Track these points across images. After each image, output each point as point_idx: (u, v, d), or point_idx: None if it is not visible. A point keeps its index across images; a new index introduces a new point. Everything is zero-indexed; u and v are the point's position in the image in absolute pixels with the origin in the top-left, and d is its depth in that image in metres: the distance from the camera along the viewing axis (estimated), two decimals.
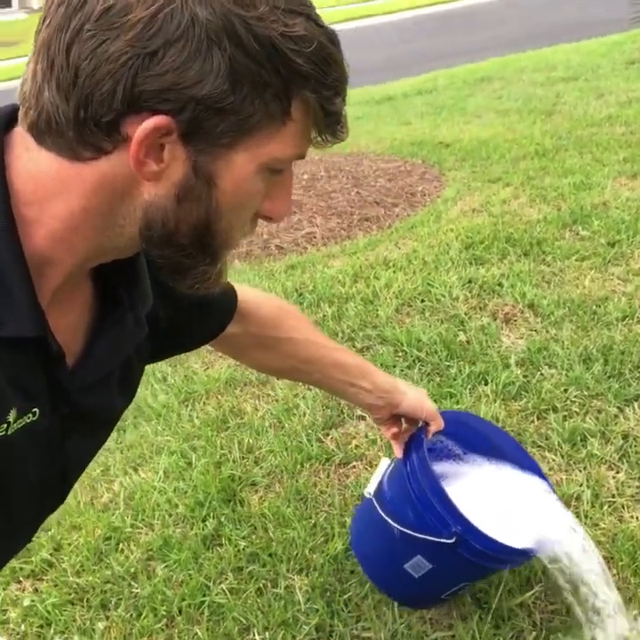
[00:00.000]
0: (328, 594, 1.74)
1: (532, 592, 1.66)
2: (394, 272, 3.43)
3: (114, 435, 2.49)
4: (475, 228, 3.78)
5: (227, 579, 1.83)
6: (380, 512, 1.39)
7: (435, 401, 2.38)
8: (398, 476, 1.43)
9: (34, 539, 1.26)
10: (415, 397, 1.43)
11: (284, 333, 1.27)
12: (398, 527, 1.35)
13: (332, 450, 2.24)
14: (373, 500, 1.43)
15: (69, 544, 2.03)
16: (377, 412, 1.42)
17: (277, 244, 4.03)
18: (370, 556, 1.52)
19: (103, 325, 0.83)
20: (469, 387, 2.46)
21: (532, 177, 4.41)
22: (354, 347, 2.84)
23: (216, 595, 1.78)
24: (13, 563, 1.98)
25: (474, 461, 1.59)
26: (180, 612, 1.75)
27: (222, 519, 2.02)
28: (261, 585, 1.80)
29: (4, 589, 1.91)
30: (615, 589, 1.42)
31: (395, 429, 1.46)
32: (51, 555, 2.00)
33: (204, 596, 1.78)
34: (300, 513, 2.00)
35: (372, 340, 2.87)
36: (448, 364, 2.61)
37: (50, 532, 2.07)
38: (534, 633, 1.58)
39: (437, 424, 1.46)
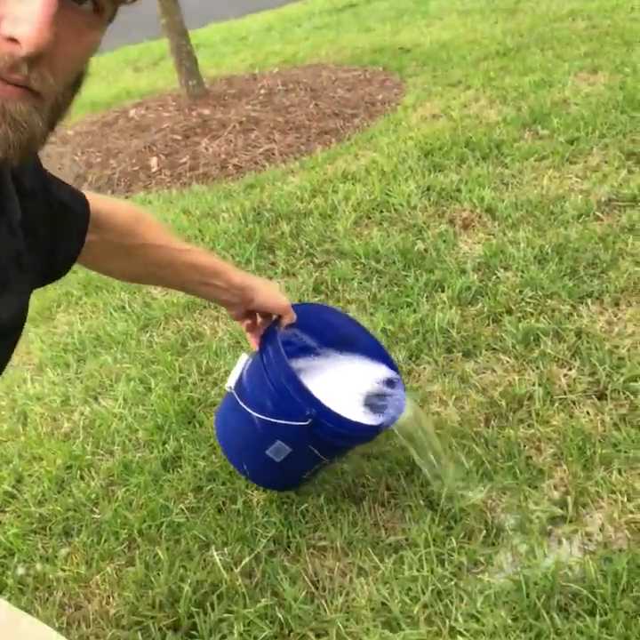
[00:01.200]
0: (285, 506, 1.76)
1: (484, 492, 1.69)
2: (352, 184, 3.38)
3: (73, 365, 2.49)
4: (434, 134, 3.71)
5: (187, 498, 1.85)
6: (241, 403, 1.46)
7: (392, 311, 2.39)
8: (256, 368, 1.50)
9: None
10: (268, 292, 1.52)
11: (138, 240, 1.30)
12: (258, 416, 1.43)
13: None
14: (234, 393, 1.51)
15: (30, 475, 2.04)
16: (232, 309, 1.54)
17: (235, 164, 3.94)
18: (234, 445, 1.60)
19: None
20: (426, 295, 2.44)
21: (493, 78, 4.31)
22: (313, 262, 2.82)
23: (176, 515, 1.80)
24: None
25: (327, 355, 1.71)
26: (140, 533, 1.77)
27: (182, 441, 2.02)
28: (220, 502, 1.81)
29: None
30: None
31: (249, 321, 1.59)
32: (12, 487, 2.01)
33: (164, 516, 1.80)
34: None
35: (331, 255, 2.84)
36: (405, 273, 2.59)
37: (11, 465, 2.07)
38: (485, 531, 1.60)
39: (290, 317, 1.56)
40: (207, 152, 4.09)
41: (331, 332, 1.71)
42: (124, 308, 2.78)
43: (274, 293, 1.54)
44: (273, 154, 4.00)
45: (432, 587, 1.51)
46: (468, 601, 1.48)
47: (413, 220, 2.96)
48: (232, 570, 1.62)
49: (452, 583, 1.52)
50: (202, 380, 2.27)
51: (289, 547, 1.67)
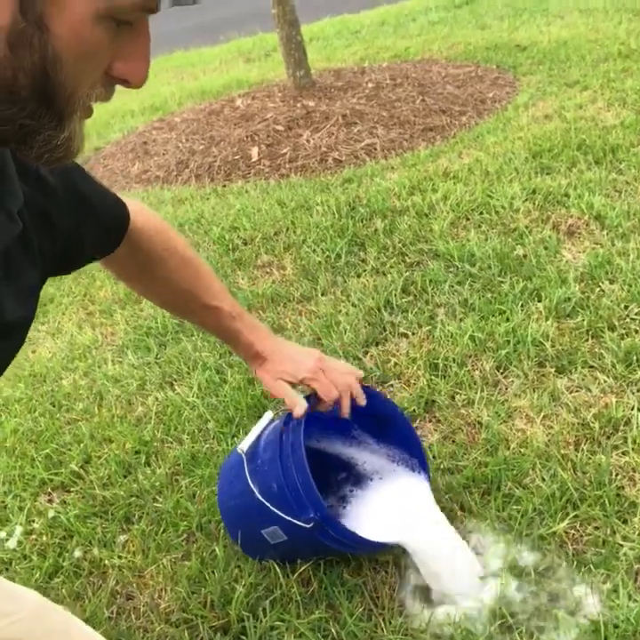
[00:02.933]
0: None
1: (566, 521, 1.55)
2: (453, 184, 3.25)
3: (154, 350, 2.47)
4: (545, 135, 3.53)
5: None
6: (247, 475, 1.33)
7: (482, 318, 2.26)
8: (274, 440, 1.37)
9: None
10: (276, 374, 1.33)
11: (164, 273, 1.21)
12: (259, 497, 1.31)
13: (370, 368, 2.14)
14: (244, 458, 1.36)
15: (99, 457, 2.02)
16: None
17: (335, 157, 3.87)
18: (231, 511, 1.49)
19: None
20: (521, 303, 2.30)
21: (613, 79, 4.08)
22: (404, 262, 2.71)
23: None
24: (43, 474, 1.99)
25: (364, 444, 1.58)
26: (199, 528, 1.72)
27: None
28: None
29: (34, 500, 1.92)
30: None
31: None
32: (80, 467, 2.00)
33: None
34: None
35: (424, 255, 2.72)
36: (501, 279, 2.45)
37: (82, 445, 2.06)
38: (564, 563, 1.47)
39: (296, 412, 1.34)
40: (308, 144, 4.03)
41: (365, 408, 1.46)
42: None
43: (276, 384, 1.33)
44: (374, 149, 3.90)
45: (501, 620, 1.39)
46: (538, 637, 1.36)
47: (514, 224, 2.81)
48: (288, 576, 1.54)
49: (525, 617, 1.40)
50: None
51: (350, 559, 1.57)
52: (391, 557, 1.55)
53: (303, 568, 1.55)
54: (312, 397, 1.34)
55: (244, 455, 1.35)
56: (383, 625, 1.43)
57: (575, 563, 1.47)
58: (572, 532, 1.54)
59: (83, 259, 1.08)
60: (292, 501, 1.28)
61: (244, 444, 1.36)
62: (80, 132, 0.70)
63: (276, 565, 1.55)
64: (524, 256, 2.59)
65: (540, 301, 2.30)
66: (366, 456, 1.56)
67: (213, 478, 1.84)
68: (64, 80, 0.64)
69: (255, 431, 1.38)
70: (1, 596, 1.05)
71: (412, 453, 1.56)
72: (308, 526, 1.26)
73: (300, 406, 1.31)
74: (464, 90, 4.46)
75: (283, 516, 1.28)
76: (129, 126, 5.50)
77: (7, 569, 1.73)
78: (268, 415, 1.42)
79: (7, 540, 1.79)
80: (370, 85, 4.68)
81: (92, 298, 2.97)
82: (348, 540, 1.33)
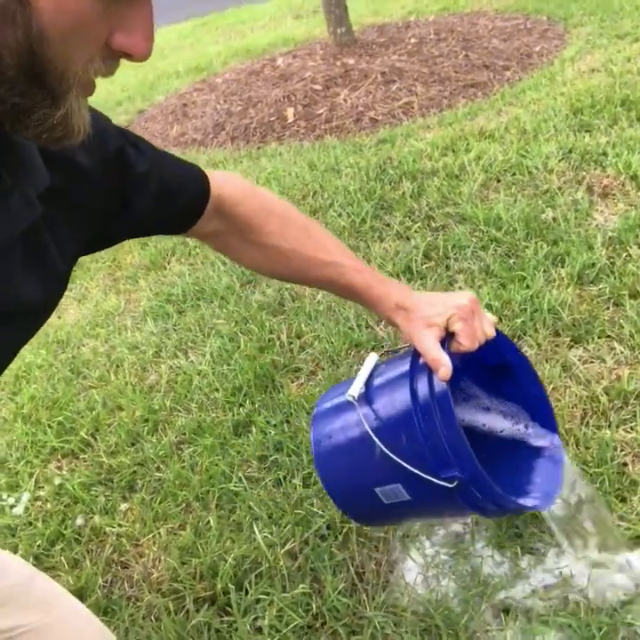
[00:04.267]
0: None
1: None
2: (489, 143, 3.14)
3: (173, 317, 2.47)
4: (588, 90, 3.37)
5: (250, 466, 1.78)
6: (365, 425, 1.12)
7: (502, 285, 2.19)
8: (398, 388, 1.14)
9: None
10: (420, 328, 1.10)
11: (266, 238, 1.12)
12: (385, 450, 1.09)
13: (382, 337, 2.10)
14: (356, 405, 1.16)
15: (109, 425, 2.04)
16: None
17: (372, 117, 3.78)
18: (334, 469, 1.25)
19: None
20: (543, 269, 2.21)
21: None
22: (429, 226, 2.64)
23: (235, 482, 1.73)
24: (54, 441, 2.02)
25: (474, 398, 1.30)
26: (197, 498, 1.73)
27: (257, 405, 1.95)
28: (281, 475, 1.73)
29: (44, 467, 1.96)
30: None
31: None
32: (90, 435, 2.03)
33: (223, 483, 1.74)
34: None
35: (451, 219, 2.65)
36: (526, 244, 2.37)
37: (93, 412, 2.09)
38: (554, 542, 1.42)
39: (441, 373, 1.07)
40: (345, 104, 3.95)
41: (490, 356, 1.24)
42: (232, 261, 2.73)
43: (424, 336, 1.09)
44: (412, 107, 3.80)
45: (481, 593, 1.36)
46: (522, 619, 1.32)
47: (547, 185, 2.70)
48: (276, 549, 1.54)
49: (508, 594, 1.37)
50: (290, 342, 2.18)
51: (341, 533, 1.56)
52: (382, 533, 1.53)
53: (293, 542, 1.54)
54: (446, 339, 1.11)
55: (356, 402, 1.15)
56: (366, 600, 1.41)
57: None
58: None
59: (147, 232, 1.05)
60: (428, 456, 1.08)
61: (353, 391, 1.15)
62: (80, 110, 0.67)
63: (262, 539, 1.54)
64: (553, 219, 2.49)
65: (562, 267, 2.21)
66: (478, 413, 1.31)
67: (216, 448, 1.85)
68: (53, 56, 0.62)
69: (362, 377, 1.18)
70: None
71: (535, 412, 1.28)
72: (449, 486, 1.06)
73: (446, 367, 1.06)
74: (510, 43, 4.29)
75: (416, 472, 1.07)
76: (173, 88, 5.49)
77: (13, 535, 1.77)
78: (373, 358, 1.21)
79: (14, 506, 1.83)
80: (412, 41, 4.54)
81: (119, 264, 2.99)
82: (495, 502, 1.10)
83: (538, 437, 1.22)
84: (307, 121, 3.91)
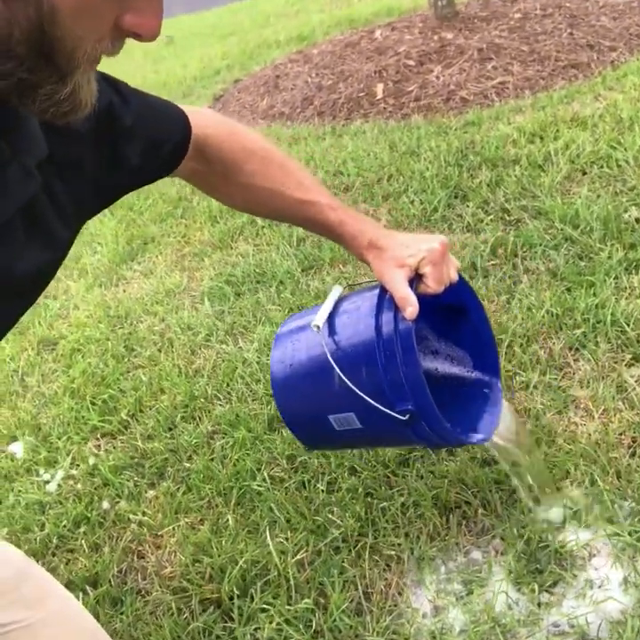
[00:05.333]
0: (368, 499, 1.59)
1: (592, 535, 1.39)
2: (580, 130, 2.95)
3: (230, 299, 2.45)
4: None
5: (277, 465, 1.74)
6: (328, 354, 1.13)
7: (568, 289, 2.06)
8: (361, 320, 1.15)
9: None
10: (390, 267, 1.13)
11: (246, 178, 1.15)
12: (345, 379, 1.11)
13: None
14: (321, 334, 1.15)
15: (150, 407, 2.04)
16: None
17: (463, 96, 3.63)
18: (290, 390, 1.25)
19: None
20: (614, 276, 2.06)
21: None
22: (502, 219, 2.51)
23: (259, 481, 1.70)
24: (95, 421, 2.04)
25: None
26: (220, 493, 1.70)
27: None
28: (306, 478, 1.68)
29: (83, 445, 1.98)
30: None
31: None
32: (131, 416, 2.03)
33: (248, 480, 1.71)
34: None
35: (526, 212, 2.50)
36: (600, 246, 2.21)
37: (137, 393, 2.10)
38: (582, 584, 1.32)
39: (407, 311, 1.09)
40: (437, 81, 3.80)
41: (447, 297, 1.25)
42: (297, 244, 2.69)
43: (395, 274, 1.12)
44: (506, 88, 3.62)
45: (489, 631, 1.28)
46: None
47: (635, 181, 2.51)
48: (286, 558, 1.49)
49: (516, 636, 1.28)
50: None
51: (355, 547, 1.50)
52: (395, 552, 1.46)
53: (303, 552, 1.50)
54: (414, 280, 1.14)
55: (320, 331, 1.16)
56: (370, 623, 1.36)
57: (594, 586, 1.32)
58: (598, 547, 1.38)
59: (139, 184, 1.08)
60: (385, 389, 1.11)
61: (318, 320, 1.16)
62: (88, 85, 0.68)
63: (273, 544, 1.51)
64: (636, 220, 2.31)
65: (635, 274, 2.05)
66: (427, 357, 1.37)
67: (247, 442, 1.82)
68: (63, 35, 0.62)
69: (327, 307, 1.19)
70: None
71: (483, 355, 1.33)
72: (402, 418, 1.10)
73: (414, 307, 1.09)
74: (620, 22, 4.02)
75: (372, 402, 1.11)
76: (271, 57, 5.44)
77: (42, 512, 1.80)
78: (338, 290, 1.23)
79: (48, 482, 1.86)
80: (517, 16, 4.32)
81: (188, 239, 2.99)
82: (442, 437, 1.15)
83: (481, 381, 1.32)
84: (395, 98, 3.79)
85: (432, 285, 1.11)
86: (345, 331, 1.17)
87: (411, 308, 1.08)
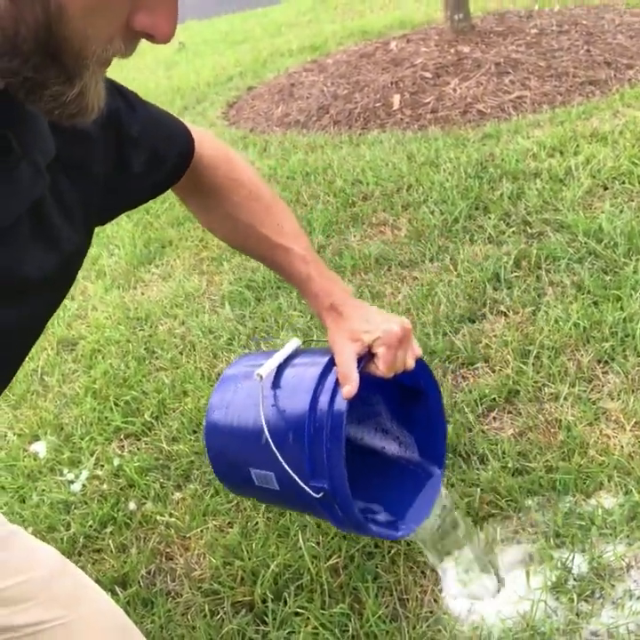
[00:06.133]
0: None
1: (628, 547, 1.39)
2: (601, 146, 2.97)
3: (251, 304, 2.45)
4: None
5: None
6: (260, 408, 1.11)
7: (594, 303, 2.06)
8: (301, 384, 1.12)
9: None
10: (342, 339, 1.10)
11: (228, 208, 1.14)
12: (269, 439, 1.08)
13: (458, 347, 2.01)
14: (260, 386, 1.12)
15: (174, 410, 2.04)
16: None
17: (480, 109, 3.64)
18: (221, 431, 1.23)
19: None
20: None
21: None
22: (525, 231, 2.51)
23: None
24: (119, 421, 2.03)
25: (375, 417, 1.33)
26: (248, 497, 1.69)
27: None
28: None
29: (106, 446, 1.97)
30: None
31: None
32: (155, 418, 2.02)
33: None
34: None
35: (549, 226, 2.51)
36: (625, 260, 2.21)
37: (160, 395, 2.09)
38: (619, 596, 1.32)
39: (346, 389, 1.06)
40: (454, 94, 3.82)
41: (406, 379, 1.21)
42: (318, 251, 2.68)
43: (345, 348, 1.08)
44: (523, 102, 3.64)
45: None
46: None
47: None
48: (320, 563, 1.49)
49: None
50: None
51: (389, 553, 1.49)
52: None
53: (338, 556, 1.49)
54: (365, 357, 1.10)
55: (261, 383, 1.13)
56: (406, 629, 1.35)
57: (630, 597, 1.32)
58: (634, 562, 1.38)
59: (142, 197, 1.07)
60: (306, 461, 1.10)
61: (263, 370, 1.12)
62: (96, 88, 0.66)
63: (306, 548, 1.50)
64: None
65: None
66: (373, 431, 1.35)
67: None
68: (71, 35, 0.61)
69: (277, 358, 1.16)
70: (21, 552, 1.06)
71: (431, 445, 1.30)
72: (315, 495, 1.08)
73: (352, 386, 1.06)
74: (637, 40, 4.05)
75: (288, 470, 1.09)
76: (285, 66, 5.46)
77: (68, 512, 1.79)
78: (294, 343, 1.19)
79: (73, 482, 1.85)
80: (533, 31, 4.35)
81: (206, 244, 2.99)
82: (354, 524, 1.13)
83: (423, 469, 1.28)
84: (412, 109, 3.81)
85: (381, 368, 1.07)
86: (285, 389, 1.14)
87: (348, 387, 1.05)
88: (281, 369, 1.16)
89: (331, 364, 1.11)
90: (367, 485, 1.21)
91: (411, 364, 1.11)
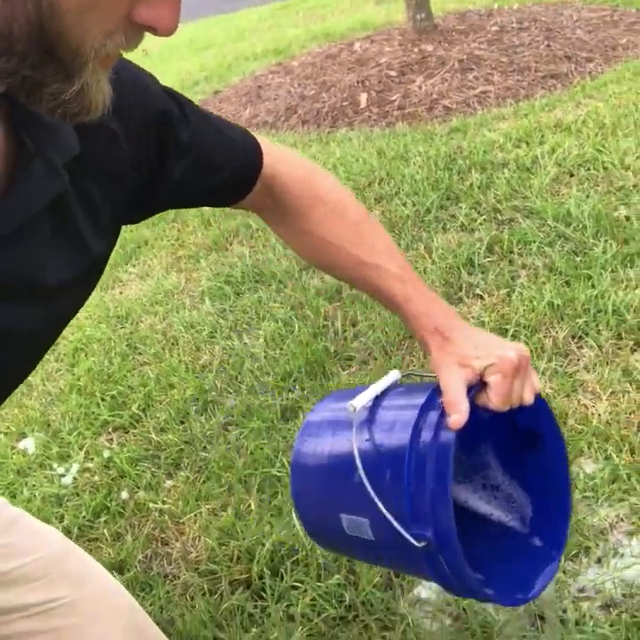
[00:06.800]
0: None
1: (608, 508, 1.44)
2: (564, 136, 3.04)
3: (230, 298, 2.48)
4: None
5: None
6: (354, 446, 0.96)
7: (566, 283, 2.12)
8: (401, 416, 0.98)
9: None
10: (451, 366, 0.96)
11: (308, 226, 1.05)
12: (364, 478, 0.93)
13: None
14: (353, 419, 0.99)
15: (160, 402, 2.06)
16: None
17: (445, 105, 3.71)
18: (308, 476, 1.08)
19: (16, 174, 0.73)
20: (611, 269, 2.13)
21: None
22: (495, 219, 2.58)
23: (278, 468, 1.72)
24: (106, 415, 2.05)
25: (485, 467, 1.08)
26: (240, 480, 1.73)
27: (305, 391, 1.94)
28: None
29: (95, 439, 1.99)
30: None
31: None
32: (142, 410, 2.05)
33: (267, 467, 1.74)
34: None
35: (518, 213, 2.58)
36: (594, 242, 2.28)
37: (146, 388, 2.11)
38: (597, 553, 1.37)
39: (453, 419, 0.89)
40: (419, 91, 3.88)
41: (523, 420, 1.04)
42: None
43: (453, 374, 0.93)
44: (488, 97, 3.71)
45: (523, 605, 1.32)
46: (558, 626, 1.28)
47: (622, 182, 2.60)
48: None
49: (553, 604, 1.32)
50: (344, 330, 2.16)
51: None
52: None
53: None
54: (475, 387, 0.95)
55: (354, 415, 1.00)
56: (401, 596, 1.39)
57: (609, 554, 1.37)
58: (613, 520, 1.43)
59: (187, 201, 1.02)
60: (406, 505, 0.93)
61: (357, 402, 1.00)
62: (99, 86, 0.64)
63: (301, 527, 1.53)
64: (626, 218, 2.40)
65: (631, 268, 2.13)
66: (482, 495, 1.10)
67: (262, 432, 1.84)
68: (66, 30, 0.59)
69: (373, 390, 1.02)
70: (26, 534, 1.08)
71: (549, 506, 1.04)
72: (417, 544, 0.90)
73: (462, 415, 0.90)
74: (595, 35, 4.15)
75: (387, 515, 0.92)
76: (250, 69, 5.49)
77: (60, 505, 1.80)
78: (393, 375, 1.04)
79: (64, 476, 1.87)
80: (494, 29, 4.44)
81: (182, 242, 3.01)
82: (462, 582, 0.91)
83: (538, 543, 1.03)
84: (379, 107, 3.86)
85: (494, 400, 0.90)
86: (382, 424, 1.00)
87: (457, 417, 0.90)
88: (378, 401, 1.02)
89: (435, 394, 0.97)
90: (471, 541, 0.96)
91: (529, 398, 0.93)
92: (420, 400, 0.95)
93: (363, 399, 0.97)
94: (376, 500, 0.90)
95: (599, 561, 1.37)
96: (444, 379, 0.93)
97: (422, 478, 0.90)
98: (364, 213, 1.07)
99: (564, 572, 1.36)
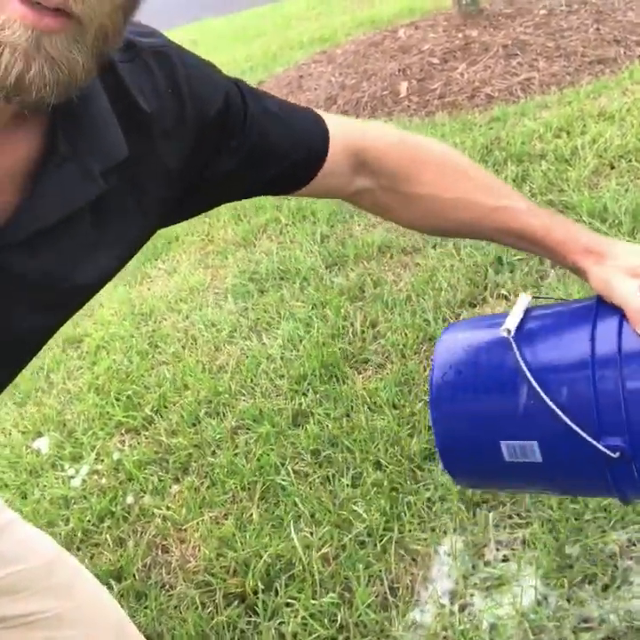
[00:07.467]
0: (394, 494, 1.57)
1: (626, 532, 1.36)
2: (608, 125, 2.91)
3: (253, 296, 2.45)
4: None
5: (302, 460, 1.73)
6: (521, 363, 0.92)
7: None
8: (567, 331, 0.94)
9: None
10: (619, 279, 0.90)
11: (417, 187, 0.99)
12: (543, 395, 0.89)
13: None
14: (512, 342, 0.94)
15: (174, 403, 2.04)
16: None
17: (488, 93, 3.59)
18: (455, 403, 1.02)
19: (42, 176, 0.71)
20: None
21: None
22: None
23: (283, 476, 1.68)
24: (120, 416, 2.04)
25: None
26: (244, 488, 1.69)
27: (318, 396, 1.90)
28: (331, 472, 1.67)
29: (107, 440, 1.98)
30: None
31: None
32: (155, 412, 2.03)
33: (272, 475, 1.70)
34: (398, 399, 1.81)
35: (554, 207, 2.47)
36: (629, 239, 2.17)
37: (161, 389, 2.09)
38: (607, 578, 1.29)
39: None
40: (461, 78, 3.77)
41: None
42: (321, 241, 2.67)
43: (624, 283, 0.89)
44: (532, 83, 3.58)
45: (522, 634, 1.25)
46: None
47: None
48: (311, 553, 1.48)
49: (553, 634, 1.25)
50: (363, 331, 2.10)
51: (381, 541, 1.48)
52: (420, 547, 1.44)
53: (328, 546, 1.48)
54: None
55: (511, 338, 0.95)
56: (396, 618, 1.34)
57: (619, 580, 1.29)
58: (627, 546, 1.35)
59: (249, 191, 0.97)
60: (594, 418, 0.89)
61: (510, 324, 0.96)
62: (16, 64, 0.54)
63: (298, 538, 1.49)
64: None
65: None
66: None
67: (271, 437, 1.80)
68: None
69: (517, 312, 0.98)
70: (12, 544, 1.06)
71: None
72: (612, 455, 0.88)
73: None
74: None
75: (576, 429, 0.89)
76: (295, 58, 5.44)
77: (67, 507, 1.80)
78: (527, 298, 1.01)
79: (73, 477, 1.86)
80: (542, 12, 4.28)
81: (211, 238, 2.98)
82: None
83: None
84: (419, 96, 3.77)
85: None
86: (544, 342, 0.96)
87: None
88: (523, 324, 0.98)
89: (601, 304, 0.93)
90: None
91: None
92: (582, 313, 0.93)
93: (513, 321, 0.94)
94: (561, 415, 0.87)
95: (605, 589, 1.29)
96: (619, 291, 0.88)
97: (611, 389, 0.87)
98: (466, 158, 1.03)
99: (568, 600, 1.28)
